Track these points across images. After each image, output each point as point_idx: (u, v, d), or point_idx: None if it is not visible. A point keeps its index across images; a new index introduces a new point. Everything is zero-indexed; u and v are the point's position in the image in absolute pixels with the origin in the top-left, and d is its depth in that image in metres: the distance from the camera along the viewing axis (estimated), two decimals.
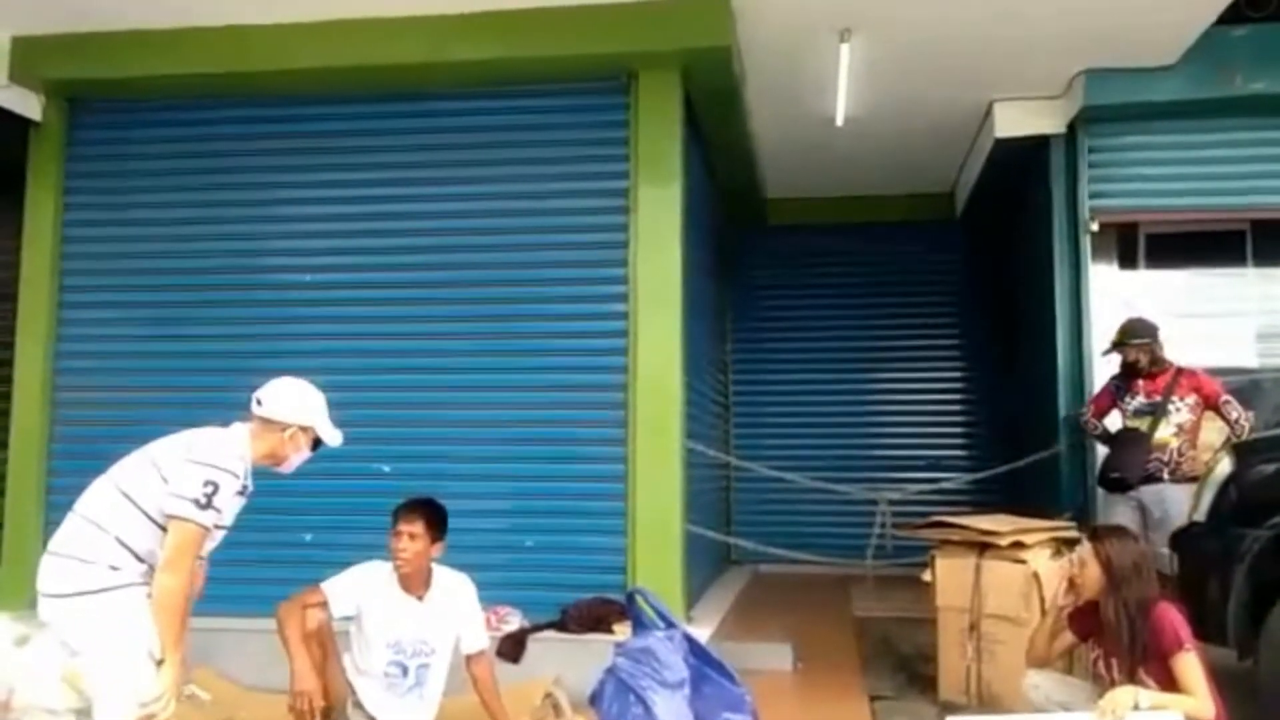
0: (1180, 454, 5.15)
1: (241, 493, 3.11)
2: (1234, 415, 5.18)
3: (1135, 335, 5.37)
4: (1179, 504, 5.01)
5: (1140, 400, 5.29)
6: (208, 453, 2.98)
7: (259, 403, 3.20)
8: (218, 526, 3.03)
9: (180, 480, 2.91)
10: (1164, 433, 5.17)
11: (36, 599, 2.94)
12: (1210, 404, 5.22)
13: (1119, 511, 5.12)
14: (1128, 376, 5.41)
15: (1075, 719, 3.12)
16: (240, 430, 3.16)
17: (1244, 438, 5.13)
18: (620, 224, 5.55)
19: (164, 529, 2.90)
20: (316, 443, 3.29)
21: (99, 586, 2.86)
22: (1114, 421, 5.55)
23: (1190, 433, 5.21)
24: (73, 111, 6.12)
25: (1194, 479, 5.05)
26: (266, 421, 3.18)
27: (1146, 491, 5.15)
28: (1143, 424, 5.22)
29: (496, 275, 5.69)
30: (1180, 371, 5.31)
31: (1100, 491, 5.61)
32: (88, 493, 3.00)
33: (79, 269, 6.05)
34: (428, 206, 5.79)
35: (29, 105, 5.94)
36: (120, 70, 5.82)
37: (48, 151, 6.05)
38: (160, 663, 2.84)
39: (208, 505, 2.90)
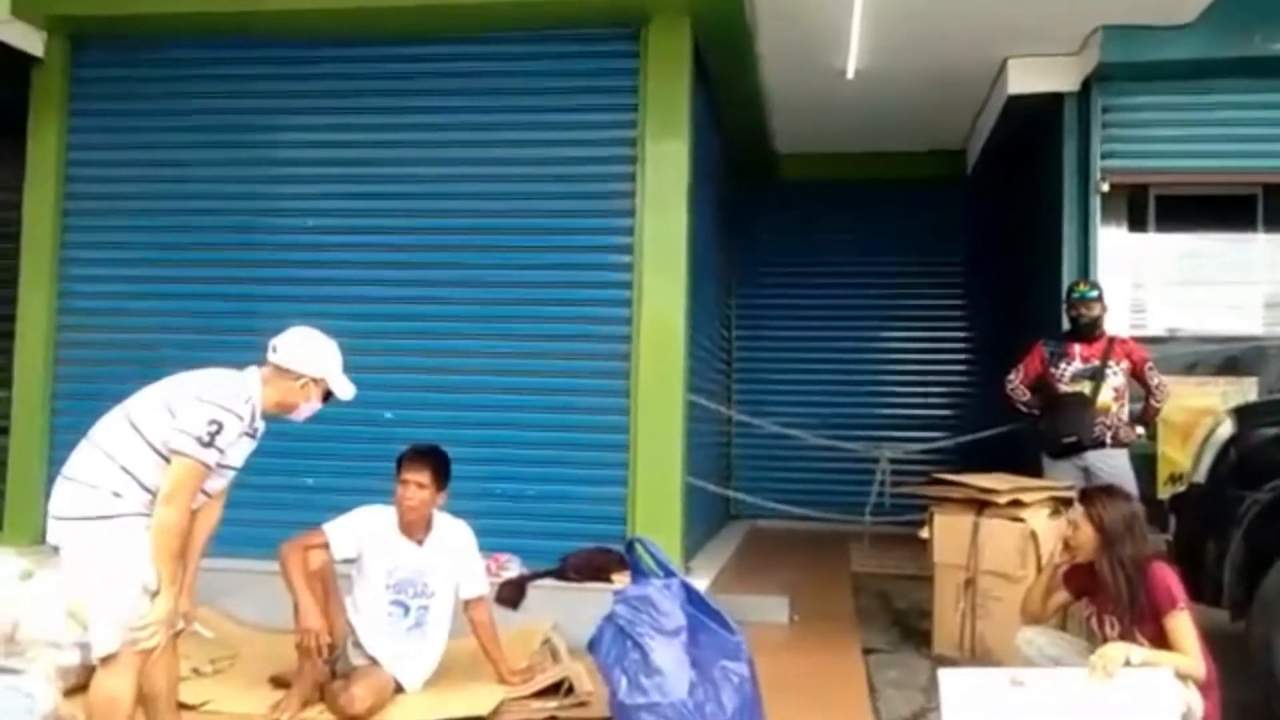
0: (1119, 419, 5.14)
1: (251, 435, 3.14)
2: (1155, 381, 5.22)
3: (1100, 291, 5.30)
4: (1124, 469, 5.06)
5: (1078, 365, 5.20)
6: (215, 392, 3.01)
7: (274, 349, 3.21)
8: (222, 465, 3.05)
9: (186, 417, 2.94)
10: (1104, 397, 5.13)
11: (41, 536, 2.97)
12: (1137, 369, 5.22)
13: (1063, 475, 5.04)
14: (1068, 339, 5.32)
15: (1067, 674, 3.15)
16: (253, 374, 3.18)
17: (1161, 404, 5.22)
18: (627, 174, 5.51)
19: (168, 462, 2.93)
20: (328, 394, 3.29)
21: (101, 513, 2.90)
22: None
23: (1123, 398, 5.19)
24: (75, 49, 6.05)
25: (1129, 444, 5.16)
26: (280, 369, 3.19)
27: (1093, 456, 5.09)
28: (1084, 388, 5.16)
29: (502, 223, 5.66)
30: (1113, 338, 5.28)
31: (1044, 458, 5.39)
32: (102, 420, 3.04)
33: (82, 208, 6.02)
34: (432, 153, 5.74)
35: (31, 41, 5.87)
36: (123, 7, 5.75)
37: (50, 89, 5.99)
38: (156, 594, 2.88)
39: (210, 444, 2.93)
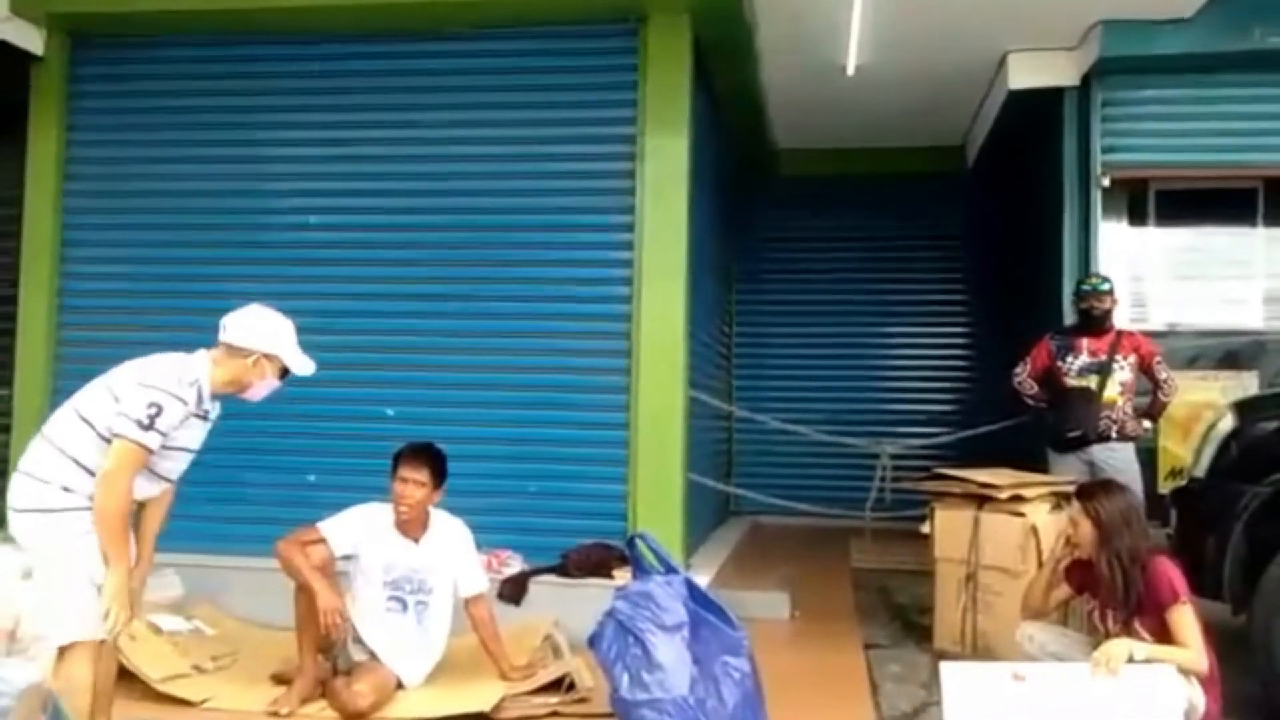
0: (1125, 413, 5.13)
1: (201, 416, 3.13)
2: (1163, 375, 5.21)
3: (1111, 284, 5.30)
4: (1130, 462, 5.07)
5: (1085, 359, 5.19)
6: (156, 376, 3.00)
7: (224, 328, 3.18)
8: (169, 448, 3.04)
9: (127, 400, 2.95)
10: (1111, 391, 5.13)
11: None
12: (1145, 364, 5.21)
13: (1068, 469, 5.05)
14: (1076, 333, 5.32)
15: (1068, 669, 3.15)
16: (200, 356, 3.15)
17: (1169, 398, 5.21)
18: (627, 170, 5.50)
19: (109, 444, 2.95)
20: (285, 372, 3.26)
21: (50, 507, 2.91)
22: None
23: (1130, 392, 5.19)
24: (75, 46, 6.05)
25: (1135, 438, 5.16)
26: (230, 348, 3.16)
27: (1098, 450, 5.10)
28: (1091, 382, 5.15)
29: (501, 220, 5.66)
30: (1121, 332, 5.28)
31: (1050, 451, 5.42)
32: (55, 414, 3.06)
33: (81, 206, 6.02)
34: (432, 149, 5.73)
35: (31, 39, 5.85)
36: (123, 4, 5.74)
37: (50, 87, 5.98)
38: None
39: (149, 427, 2.91)
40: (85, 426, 2.98)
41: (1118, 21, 6.02)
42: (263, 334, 3.20)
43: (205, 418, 3.16)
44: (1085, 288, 5.30)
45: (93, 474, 2.94)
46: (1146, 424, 5.25)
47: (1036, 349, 5.42)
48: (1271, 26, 5.90)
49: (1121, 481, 4.59)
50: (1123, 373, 5.16)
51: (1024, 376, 5.43)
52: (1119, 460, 5.05)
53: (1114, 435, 5.11)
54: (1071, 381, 5.19)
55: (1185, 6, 5.88)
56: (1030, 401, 5.47)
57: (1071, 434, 5.14)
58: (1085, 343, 5.23)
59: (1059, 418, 5.22)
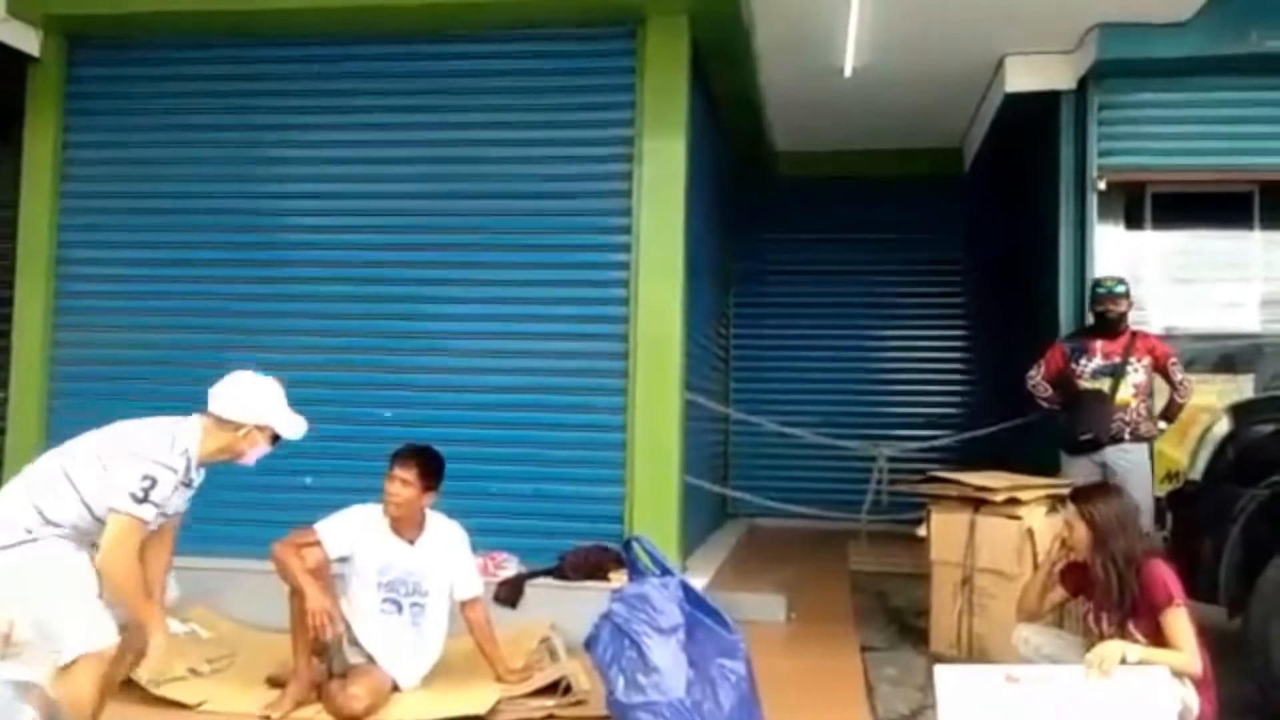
0: (1139, 414, 5.15)
1: (187, 485, 3.16)
2: (1179, 377, 5.22)
3: (1126, 286, 5.31)
4: (1142, 464, 5.10)
5: (1099, 361, 5.22)
6: (149, 447, 3.01)
7: (213, 399, 3.18)
8: (164, 514, 3.09)
9: (121, 473, 2.95)
10: (1124, 393, 5.15)
11: None
12: (1160, 365, 5.22)
13: (1080, 472, 5.06)
14: (1090, 335, 5.34)
15: (1062, 671, 3.15)
16: (191, 425, 3.15)
17: (1185, 399, 5.21)
18: (625, 172, 5.51)
19: (93, 513, 2.97)
20: (276, 437, 3.27)
21: (20, 540, 2.93)
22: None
23: (1144, 393, 5.21)
24: (72, 48, 6.05)
25: (1150, 439, 5.17)
26: (221, 419, 3.17)
27: (1111, 451, 5.12)
28: (1103, 385, 5.17)
29: (499, 222, 5.66)
30: (1135, 334, 5.29)
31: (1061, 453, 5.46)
32: (38, 461, 3.07)
33: (78, 208, 6.01)
34: (430, 151, 5.74)
35: (27, 41, 5.85)
36: (120, 6, 5.73)
37: (46, 89, 5.99)
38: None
39: (145, 499, 2.94)
40: (67, 484, 2.98)
41: (1114, 25, 6.03)
42: (253, 405, 3.21)
43: (190, 486, 3.18)
44: (1100, 290, 5.31)
45: (53, 522, 2.95)
46: (1162, 425, 5.25)
47: (1050, 352, 5.45)
48: (1268, 30, 5.91)
49: (1133, 483, 4.63)
50: (1136, 375, 5.17)
51: (1038, 379, 5.46)
52: (1131, 462, 5.07)
53: (1127, 437, 5.12)
54: (1085, 384, 5.22)
55: (1182, 10, 5.89)
56: (1045, 404, 5.50)
57: (1083, 436, 5.17)
58: (1099, 345, 5.25)
59: (1070, 421, 5.25)
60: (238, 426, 3.16)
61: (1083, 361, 5.26)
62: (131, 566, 2.94)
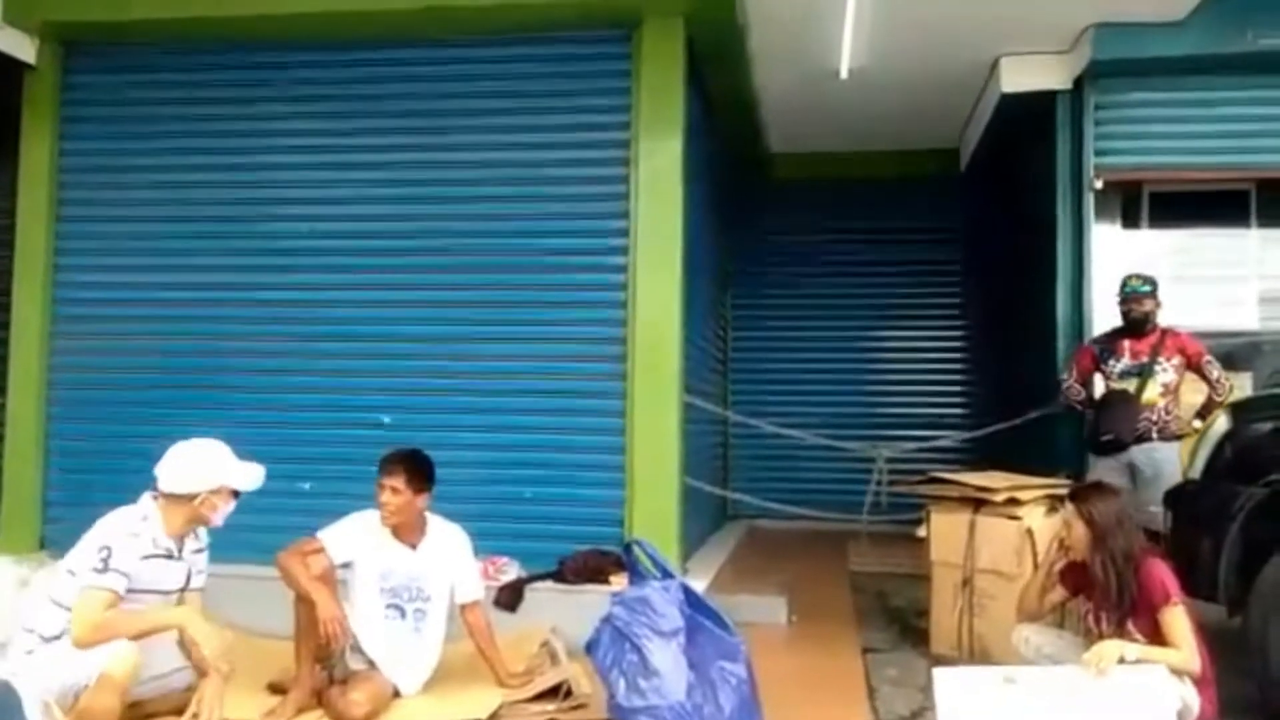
0: (1167, 413, 5.15)
1: (167, 556, 3.25)
2: (1215, 375, 5.20)
3: (1153, 286, 5.28)
4: (1170, 463, 5.06)
5: (1126, 361, 5.23)
6: (103, 527, 3.15)
7: (160, 479, 3.25)
8: (135, 590, 3.16)
9: (81, 557, 3.11)
10: (1151, 393, 5.15)
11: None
12: (1193, 364, 5.21)
13: (1107, 472, 5.07)
14: (1119, 336, 5.35)
15: (1060, 671, 3.16)
16: (145, 501, 3.26)
17: (1224, 397, 5.16)
18: (621, 175, 5.50)
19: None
20: (236, 491, 3.34)
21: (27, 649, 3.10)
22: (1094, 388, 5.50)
23: (1174, 393, 5.21)
24: (68, 55, 6.05)
25: (1179, 437, 5.14)
26: (173, 496, 3.24)
27: (1137, 451, 5.13)
28: (1130, 385, 5.18)
29: (496, 226, 5.65)
30: (1165, 332, 5.28)
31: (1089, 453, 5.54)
32: (30, 605, 3.28)
33: (75, 215, 6.01)
34: (427, 155, 5.73)
35: (23, 48, 5.85)
36: (116, 13, 5.73)
37: (42, 96, 5.98)
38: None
39: (105, 569, 3.04)
40: (57, 609, 3.11)
41: (1110, 25, 6.04)
42: (201, 473, 3.28)
43: (171, 557, 3.25)
44: (1126, 290, 5.31)
45: (56, 640, 3.08)
46: (1197, 423, 5.15)
47: (1079, 354, 5.50)
48: (1263, 28, 5.92)
49: (1161, 483, 4.63)
50: (1165, 374, 5.17)
51: (1071, 382, 5.50)
52: (1156, 461, 5.06)
53: (1154, 436, 5.12)
54: (1113, 385, 5.24)
55: (1177, 9, 5.89)
56: (1079, 407, 5.53)
57: (1104, 437, 5.18)
58: (1127, 345, 5.27)
59: (1094, 422, 5.29)
60: (192, 497, 3.25)
61: (1111, 362, 5.28)
62: (96, 626, 3.03)
